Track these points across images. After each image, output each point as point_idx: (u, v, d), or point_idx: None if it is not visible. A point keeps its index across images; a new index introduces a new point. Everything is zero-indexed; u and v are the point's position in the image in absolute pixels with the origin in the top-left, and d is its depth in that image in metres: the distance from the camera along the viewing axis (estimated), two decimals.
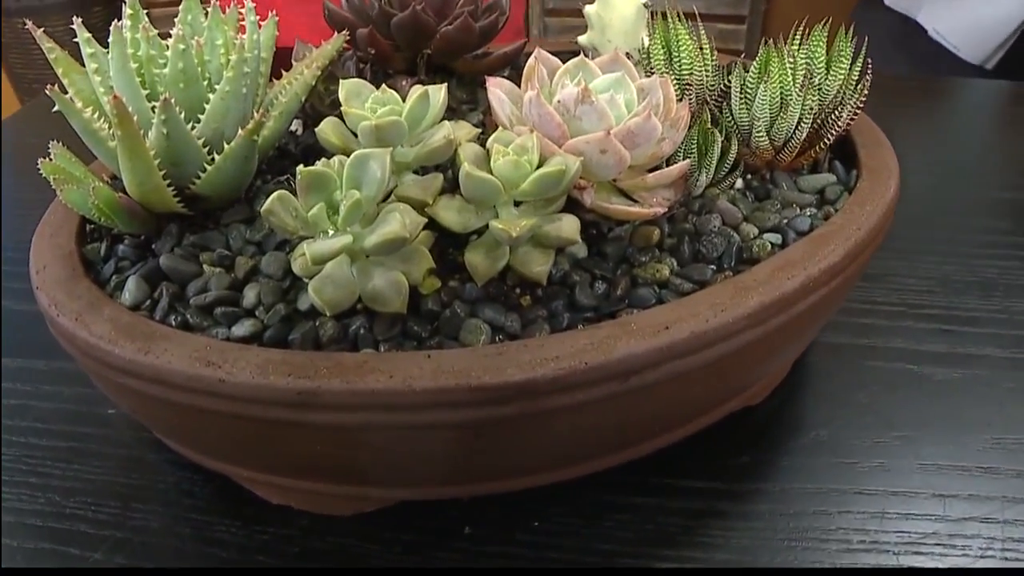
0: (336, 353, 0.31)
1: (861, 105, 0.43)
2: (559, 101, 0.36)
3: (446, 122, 0.34)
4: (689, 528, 0.38)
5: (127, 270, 0.37)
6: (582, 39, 0.51)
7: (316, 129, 0.35)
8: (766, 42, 0.41)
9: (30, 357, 0.49)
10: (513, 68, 0.51)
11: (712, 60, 0.44)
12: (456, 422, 0.30)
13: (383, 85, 0.35)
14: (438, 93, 0.34)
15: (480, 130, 0.36)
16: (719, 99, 0.44)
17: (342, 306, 0.31)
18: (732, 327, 0.32)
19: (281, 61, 0.43)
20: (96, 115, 0.35)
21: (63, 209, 0.41)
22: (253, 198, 0.40)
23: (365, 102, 0.34)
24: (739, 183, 0.42)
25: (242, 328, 0.33)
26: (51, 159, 0.37)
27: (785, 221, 0.39)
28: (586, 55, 0.50)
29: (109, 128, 0.36)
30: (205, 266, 0.36)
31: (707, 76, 0.44)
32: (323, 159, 0.31)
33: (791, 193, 0.42)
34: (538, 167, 0.33)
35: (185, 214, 0.38)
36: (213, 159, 0.36)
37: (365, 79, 0.37)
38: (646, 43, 0.49)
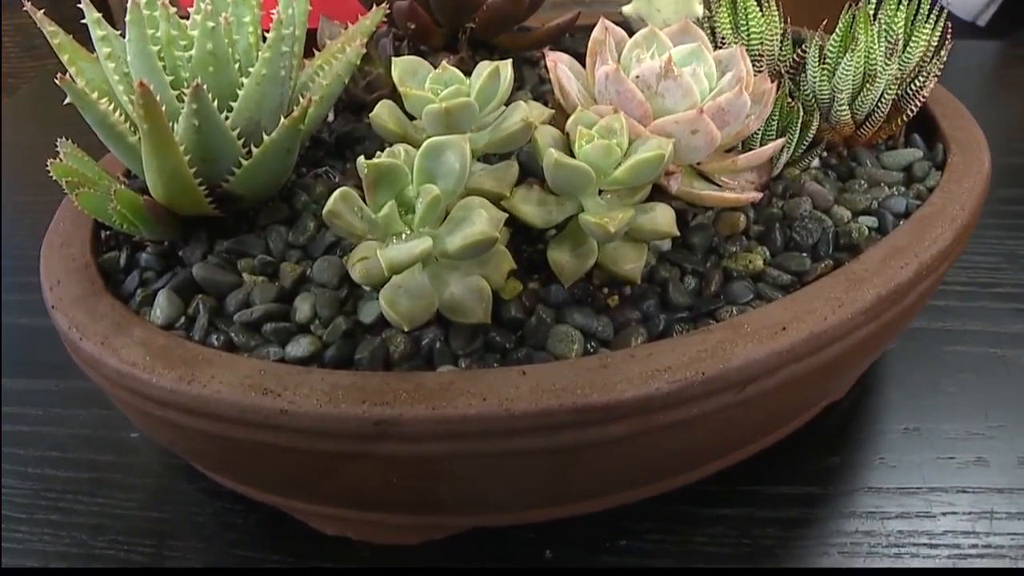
0: (415, 373, 0.27)
1: (938, 73, 0.40)
2: (638, 76, 0.32)
3: (521, 102, 0.30)
4: (787, 540, 0.34)
5: (153, 282, 0.33)
6: (627, 9, 0.47)
7: (371, 115, 0.31)
8: (850, 7, 0.37)
9: (38, 377, 0.44)
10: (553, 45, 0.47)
11: (780, 28, 0.41)
12: (557, 446, 0.26)
13: (443, 63, 0.30)
14: (506, 69, 0.30)
15: (553, 111, 0.32)
16: (792, 70, 0.40)
17: (419, 320, 0.27)
18: (850, 324, 0.29)
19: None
20: (112, 107, 0.31)
21: (72, 214, 0.36)
22: (290, 195, 0.35)
23: (423, 82, 0.30)
24: (816, 161, 0.39)
25: (299, 347, 0.29)
26: (61, 159, 0.32)
27: (877, 202, 0.36)
28: (631, 27, 0.46)
29: (126, 121, 0.32)
30: (245, 275, 0.32)
31: (778, 46, 0.40)
32: (388, 148, 0.27)
33: (876, 171, 0.38)
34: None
35: (215, 216, 0.34)
36: (249, 152, 0.31)
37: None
38: (699, 12, 0.45)
